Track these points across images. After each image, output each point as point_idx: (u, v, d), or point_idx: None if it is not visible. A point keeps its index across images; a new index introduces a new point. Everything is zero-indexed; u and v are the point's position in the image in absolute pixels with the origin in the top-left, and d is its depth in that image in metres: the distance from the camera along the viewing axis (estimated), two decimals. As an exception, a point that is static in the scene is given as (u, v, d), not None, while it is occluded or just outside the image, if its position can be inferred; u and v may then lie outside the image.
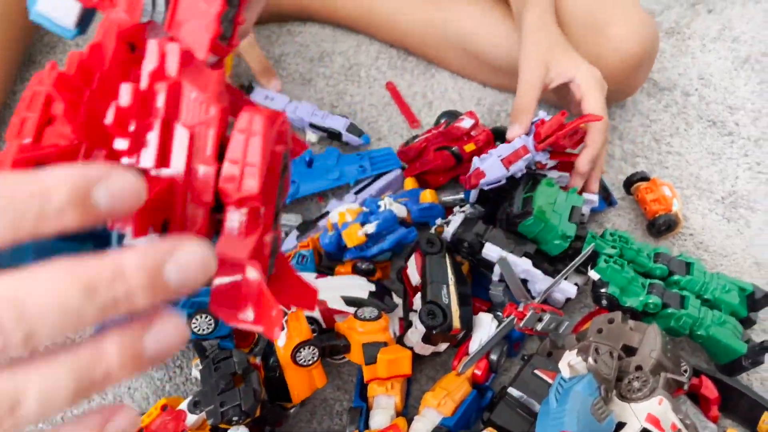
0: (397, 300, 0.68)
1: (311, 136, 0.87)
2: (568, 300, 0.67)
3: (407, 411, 0.62)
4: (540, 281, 0.66)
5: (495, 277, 0.67)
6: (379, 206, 0.72)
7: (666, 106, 0.94)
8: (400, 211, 0.72)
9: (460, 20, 0.90)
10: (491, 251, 0.66)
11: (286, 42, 1.00)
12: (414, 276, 0.66)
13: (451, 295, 0.62)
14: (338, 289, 0.65)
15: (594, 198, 0.73)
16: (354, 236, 0.68)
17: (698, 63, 0.99)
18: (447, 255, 0.66)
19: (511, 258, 0.65)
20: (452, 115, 0.82)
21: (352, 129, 0.86)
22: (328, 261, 0.74)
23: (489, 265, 0.68)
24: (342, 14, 1.00)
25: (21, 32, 0.88)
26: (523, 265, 0.65)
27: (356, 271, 0.69)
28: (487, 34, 0.89)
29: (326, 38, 1.01)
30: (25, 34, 0.90)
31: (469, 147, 0.74)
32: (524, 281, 0.67)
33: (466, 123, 0.75)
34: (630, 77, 0.84)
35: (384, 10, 0.96)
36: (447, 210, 0.79)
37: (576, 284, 0.68)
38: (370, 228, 0.68)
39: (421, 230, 0.76)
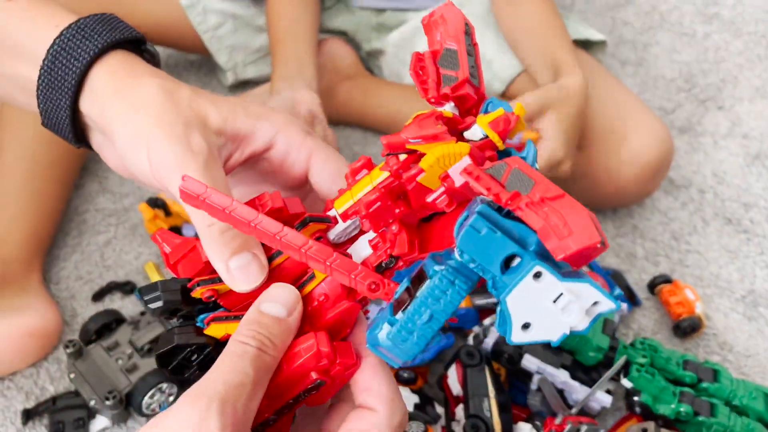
0: (439, 409, 0.71)
1: None
2: (602, 408, 0.71)
3: None
4: (577, 392, 0.69)
5: (533, 386, 0.71)
6: (417, 314, 0.76)
7: (683, 203, 0.99)
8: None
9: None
10: (530, 362, 0.70)
11: (320, 145, 1.06)
12: (455, 386, 0.70)
13: (492, 408, 0.66)
14: (385, 401, 0.69)
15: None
16: (397, 347, 0.72)
17: (711, 160, 1.05)
18: (486, 366, 0.70)
19: (549, 369, 0.69)
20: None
21: None
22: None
23: (527, 374, 0.71)
24: (372, 119, 1.06)
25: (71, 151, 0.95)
26: (561, 377, 0.69)
27: (399, 380, 0.73)
28: (512, 142, 0.95)
29: (357, 141, 1.07)
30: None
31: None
32: (561, 390, 0.70)
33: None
34: (648, 183, 0.90)
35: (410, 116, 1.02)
36: (480, 313, 0.83)
37: (609, 390, 0.72)
38: (412, 338, 0.72)
39: (457, 335, 0.80)
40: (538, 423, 0.70)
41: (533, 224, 0.26)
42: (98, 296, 0.86)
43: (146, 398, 0.72)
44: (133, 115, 0.35)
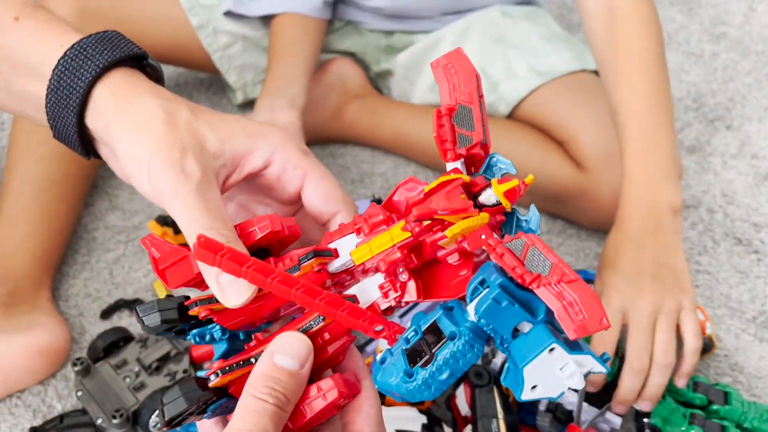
0: (447, 430, 0.71)
1: None
2: (612, 430, 0.70)
3: None
4: (586, 413, 0.69)
5: (542, 407, 0.70)
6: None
7: (693, 223, 0.98)
8: (445, 336, 0.76)
9: (496, 149, 0.96)
10: None
11: (329, 164, 1.07)
12: (463, 406, 0.69)
13: (501, 429, 0.65)
14: (392, 422, 0.68)
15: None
16: (405, 367, 0.72)
17: (720, 180, 1.04)
18: (495, 386, 0.69)
19: None
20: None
21: (377, 203, 0.93)
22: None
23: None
24: (381, 139, 1.07)
25: (89, 164, 0.95)
26: (570, 398, 0.68)
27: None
28: (522, 161, 0.95)
29: (366, 159, 1.08)
30: (93, 164, 0.97)
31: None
32: (570, 412, 0.70)
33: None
34: None
35: (420, 137, 1.03)
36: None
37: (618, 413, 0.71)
38: (420, 358, 0.72)
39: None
40: (547, 444, 0.69)
41: (552, 306, 0.30)
42: (107, 314, 0.86)
43: (153, 416, 0.72)
44: (135, 136, 0.37)
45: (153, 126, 0.37)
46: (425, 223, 0.34)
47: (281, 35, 0.97)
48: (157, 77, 0.42)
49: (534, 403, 0.73)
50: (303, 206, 0.41)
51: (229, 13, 1.01)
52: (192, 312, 0.35)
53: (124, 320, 0.85)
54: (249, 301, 0.34)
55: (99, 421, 0.72)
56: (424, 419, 0.69)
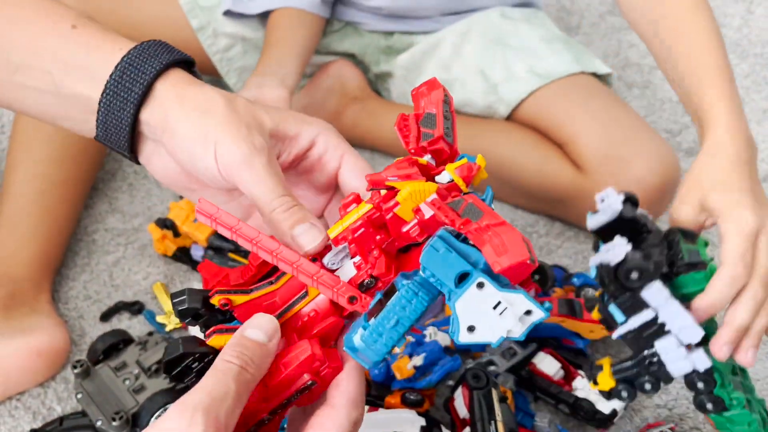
0: (446, 432, 0.71)
1: None
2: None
3: None
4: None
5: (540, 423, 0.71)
6: (424, 335, 0.77)
7: (690, 226, 0.99)
8: (444, 339, 0.77)
9: (495, 150, 0.97)
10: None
11: (328, 166, 1.07)
12: (461, 409, 0.70)
13: (499, 431, 0.66)
14: (390, 424, 0.69)
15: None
16: (404, 369, 0.72)
17: (718, 182, 1.04)
18: (493, 390, 0.70)
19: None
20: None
21: None
22: (376, 390, 0.77)
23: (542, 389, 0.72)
24: (380, 141, 1.07)
25: (89, 167, 0.96)
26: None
27: (405, 402, 0.73)
28: (521, 163, 0.95)
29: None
30: (92, 167, 0.97)
31: (509, 282, 0.79)
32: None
33: (505, 261, 0.80)
34: (653, 206, 0.90)
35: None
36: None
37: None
38: (418, 360, 0.73)
39: (464, 357, 0.80)
40: (545, 446, 0.69)
41: (478, 243, 0.32)
42: (106, 316, 0.86)
43: (153, 419, 0.73)
44: (200, 117, 0.40)
45: (217, 108, 0.40)
46: (383, 193, 0.37)
47: (277, 26, 0.97)
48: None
49: (533, 411, 0.73)
50: (336, 193, 0.45)
51: (228, 13, 1.01)
52: (212, 300, 0.39)
53: (124, 323, 0.86)
54: (322, 246, 0.38)
55: (98, 424, 0.72)
56: (422, 422, 0.70)
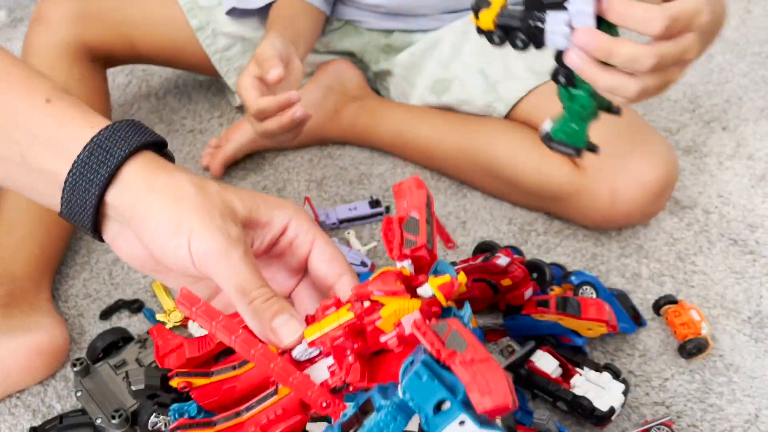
0: None
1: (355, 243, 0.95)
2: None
3: None
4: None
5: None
6: (422, 334, 0.77)
7: (688, 224, 0.99)
8: (443, 337, 0.77)
9: (493, 149, 0.97)
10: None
11: (327, 165, 1.07)
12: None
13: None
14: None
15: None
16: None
17: (716, 181, 1.05)
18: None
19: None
20: (488, 247, 0.87)
21: (374, 204, 0.99)
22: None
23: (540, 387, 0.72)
24: (379, 140, 1.07)
25: None
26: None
27: None
28: (521, 160, 0.96)
29: (364, 161, 1.08)
30: None
31: (506, 281, 0.79)
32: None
33: (502, 261, 0.80)
34: (651, 204, 0.90)
35: (418, 138, 1.03)
36: (486, 334, 0.83)
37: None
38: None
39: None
40: (544, 445, 0.70)
41: (463, 379, 0.33)
42: (106, 314, 0.86)
43: (152, 417, 0.73)
44: (171, 206, 0.40)
45: (188, 196, 0.40)
46: (366, 305, 0.38)
47: (279, 15, 0.95)
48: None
49: (528, 408, 0.73)
50: (306, 276, 0.46)
51: (231, 12, 1.01)
52: (172, 382, 0.40)
53: (123, 321, 0.86)
54: (301, 340, 0.39)
55: (98, 422, 0.73)
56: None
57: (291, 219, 0.44)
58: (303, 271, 0.46)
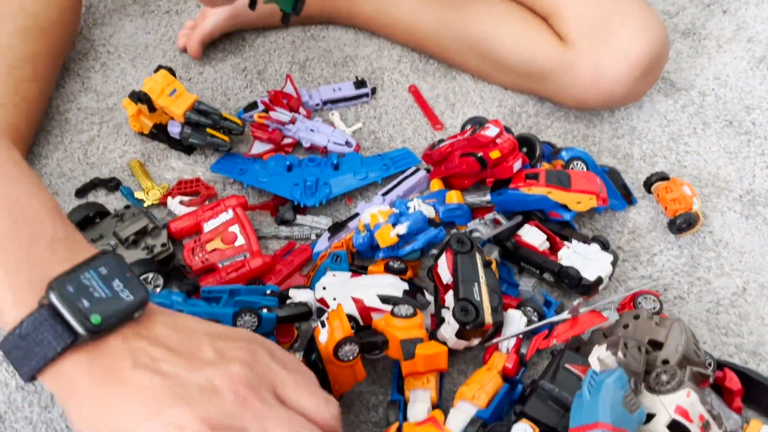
0: (429, 297, 0.70)
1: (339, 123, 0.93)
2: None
3: (441, 403, 0.65)
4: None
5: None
6: (408, 207, 0.75)
7: (683, 106, 0.96)
8: (429, 211, 0.75)
9: (477, 22, 0.93)
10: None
11: (310, 47, 1.03)
12: (445, 274, 0.69)
13: (482, 293, 0.65)
14: (373, 287, 0.68)
15: None
16: (387, 237, 0.71)
17: (714, 63, 1.01)
18: (477, 254, 0.68)
19: None
20: (477, 122, 0.84)
21: (359, 84, 0.95)
22: (360, 260, 0.76)
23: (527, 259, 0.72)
24: (362, 18, 1.02)
25: (59, 42, 0.91)
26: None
27: (389, 270, 0.72)
28: (504, 36, 0.91)
29: (349, 43, 1.03)
30: (62, 43, 0.93)
31: (495, 154, 0.76)
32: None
33: (491, 131, 0.77)
34: (637, 81, 0.86)
35: (401, 14, 0.98)
36: (473, 211, 0.81)
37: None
38: (402, 229, 0.71)
39: (448, 230, 0.78)
40: (529, 309, 0.69)
41: None
42: (81, 192, 0.84)
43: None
44: None
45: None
46: None
47: None
48: None
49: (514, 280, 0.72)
50: None
51: None
52: None
53: (101, 199, 0.83)
54: None
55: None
56: (405, 286, 0.69)
57: None
58: None
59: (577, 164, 0.82)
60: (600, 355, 0.58)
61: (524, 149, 0.81)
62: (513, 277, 0.76)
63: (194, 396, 0.40)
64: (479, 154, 0.77)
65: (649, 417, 0.56)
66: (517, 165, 0.77)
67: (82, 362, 0.41)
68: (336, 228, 0.79)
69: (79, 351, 0.41)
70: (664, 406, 0.55)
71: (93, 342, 0.41)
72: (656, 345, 0.62)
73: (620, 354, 0.58)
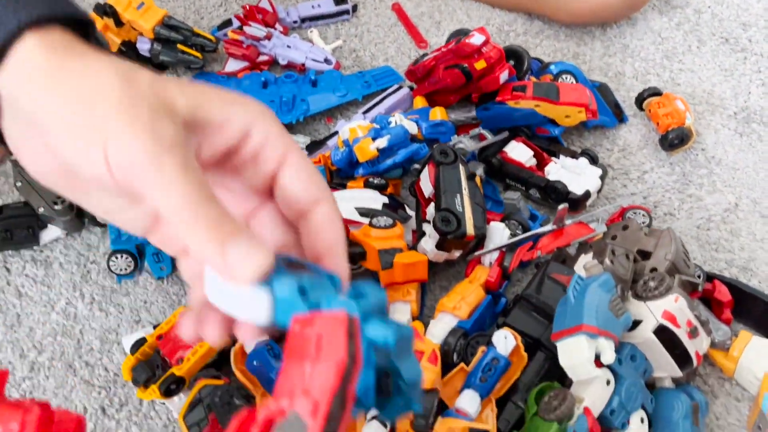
0: (410, 212, 0.67)
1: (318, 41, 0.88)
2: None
3: (422, 318, 0.63)
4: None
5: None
6: (389, 122, 0.71)
7: (678, 23, 0.92)
8: (411, 127, 0.72)
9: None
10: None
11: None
12: (427, 187, 0.66)
13: (464, 203, 0.62)
14: (352, 200, 0.65)
15: None
16: (366, 150, 0.67)
17: (711, -20, 0.97)
18: (461, 165, 0.65)
19: None
20: (463, 34, 0.80)
21: (339, 1, 0.91)
22: (339, 178, 0.73)
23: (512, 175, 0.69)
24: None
25: None
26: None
27: (368, 185, 0.69)
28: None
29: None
30: None
31: (480, 64, 0.72)
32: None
33: (476, 39, 0.73)
34: (618, 12, 0.82)
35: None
36: (458, 128, 0.78)
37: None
38: (382, 142, 0.68)
39: (431, 147, 0.75)
40: (513, 222, 0.66)
41: None
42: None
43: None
44: (83, 103, 0.28)
45: (107, 88, 0.28)
46: None
47: None
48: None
49: (497, 194, 0.70)
50: (268, 201, 0.33)
51: None
52: None
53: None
54: (265, 270, 0.28)
55: (41, 210, 0.68)
56: (384, 200, 0.66)
57: (254, 121, 0.31)
58: (267, 192, 0.33)
59: (566, 78, 0.78)
60: (586, 264, 0.56)
61: (511, 62, 0.77)
62: (498, 194, 0.73)
63: None
64: (464, 66, 0.74)
65: (636, 324, 0.54)
66: (503, 76, 0.74)
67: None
68: (314, 146, 0.76)
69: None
70: (651, 312, 0.53)
71: None
72: (645, 255, 0.60)
73: (607, 261, 0.56)
